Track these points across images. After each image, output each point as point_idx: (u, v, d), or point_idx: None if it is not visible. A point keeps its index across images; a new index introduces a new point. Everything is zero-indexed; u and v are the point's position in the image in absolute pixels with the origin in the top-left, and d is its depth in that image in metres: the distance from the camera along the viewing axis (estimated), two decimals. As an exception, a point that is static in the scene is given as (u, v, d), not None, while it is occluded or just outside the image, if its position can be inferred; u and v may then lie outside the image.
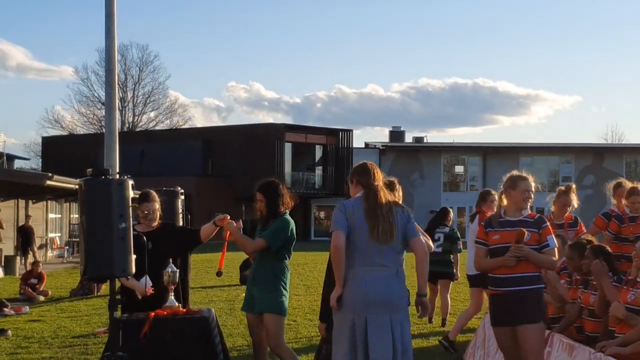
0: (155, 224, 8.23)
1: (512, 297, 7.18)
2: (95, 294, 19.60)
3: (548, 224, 7.36)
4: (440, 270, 14.33)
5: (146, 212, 8.14)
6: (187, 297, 8.43)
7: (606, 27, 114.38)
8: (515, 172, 7.59)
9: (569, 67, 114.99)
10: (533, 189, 7.42)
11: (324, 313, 7.32)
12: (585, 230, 10.26)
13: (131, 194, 6.44)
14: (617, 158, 63.11)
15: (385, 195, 6.74)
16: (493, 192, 11.42)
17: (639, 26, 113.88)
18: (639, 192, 9.66)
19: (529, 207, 7.43)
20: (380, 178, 6.93)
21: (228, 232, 8.28)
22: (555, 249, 7.31)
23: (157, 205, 8.25)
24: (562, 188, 10.63)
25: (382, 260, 6.54)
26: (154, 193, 8.34)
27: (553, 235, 7.32)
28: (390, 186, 8.76)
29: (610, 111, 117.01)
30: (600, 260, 7.82)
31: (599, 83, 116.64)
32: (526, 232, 7.13)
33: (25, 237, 28.37)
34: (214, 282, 23.04)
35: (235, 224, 8.31)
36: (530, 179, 7.44)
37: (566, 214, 10.48)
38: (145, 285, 7.60)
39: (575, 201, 10.50)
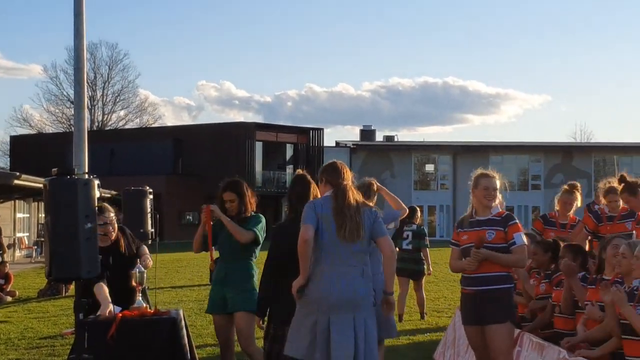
0: (114, 236, 8.18)
1: (479, 297, 7.17)
2: (64, 295, 19.42)
3: (516, 221, 7.30)
4: (412, 267, 14.60)
5: (102, 223, 7.87)
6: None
7: (575, 27, 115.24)
8: (478, 171, 7.53)
9: (539, 67, 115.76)
10: (498, 187, 7.37)
11: (262, 308, 7.48)
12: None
13: (97, 193, 6.36)
14: (586, 157, 63.52)
15: (353, 195, 6.72)
16: None
17: (607, 26, 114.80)
18: (617, 191, 9.56)
19: (497, 205, 7.39)
20: (349, 177, 6.92)
21: (209, 222, 8.19)
22: (524, 246, 7.26)
23: (113, 214, 8.21)
24: (566, 187, 10.41)
25: (348, 260, 6.53)
26: (106, 204, 8.29)
27: (521, 233, 7.27)
28: (367, 187, 8.80)
29: (579, 110, 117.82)
30: (569, 259, 7.83)
31: (568, 82, 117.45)
32: (485, 235, 7.12)
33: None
34: (183, 282, 22.93)
35: (219, 210, 8.20)
36: (496, 176, 7.39)
37: (570, 214, 10.30)
38: (113, 310, 7.56)
39: (579, 200, 10.32)
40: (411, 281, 14.94)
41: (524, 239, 7.29)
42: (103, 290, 7.59)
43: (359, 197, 6.80)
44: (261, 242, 8.27)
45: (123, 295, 7.67)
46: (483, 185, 7.31)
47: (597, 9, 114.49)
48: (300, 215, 6.71)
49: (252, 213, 8.41)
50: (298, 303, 6.61)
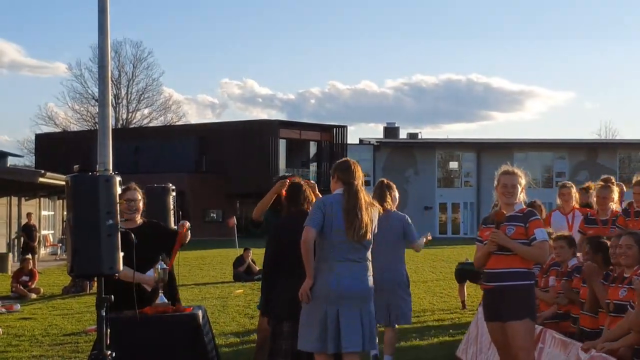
0: (139, 218, 8.13)
1: (499, 293, 7.13)
2: (88, 292, 19.51)
3: (537, 217, 7.24)
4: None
5: (129, 200, 7.98)
6: (176, 296, 8.32)
7: (600, 23, 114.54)
8: (501, 168, 7.51)
9: (563, 63, 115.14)
10: (519, 183, 7.32)
11: (268, 308, 7.72)
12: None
13: (119, 190, 6.36)
14: (610, 154, 63.12)
15: (364, 196, 6.98)
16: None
17: (633, 22, 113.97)
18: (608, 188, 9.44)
19: (520, 201, 7.35)
20: (360, 176, 7.13)
21: (180, 241, 8.13)
22: (545, 242, 7.19)
23: (140, 196, 8.15)
24: (601, 182, 10.09)
25: (356, 256, 6.90)
26: (134, 184, 8.25)
27: (543, 229, 7.21)
28: (388, 188, 9.10)
29: (604, 107, 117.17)
30: (590, 255, 7.78)
31: (593, 79, 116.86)
32: (505, 230, 7.07)
33: (27, 235, 27.96)
34: (207, 279, 22.98)
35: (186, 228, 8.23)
36: (517, 173, 7.35)
37: (614, 208, 9.92)
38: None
39: (616, 193, 10.03)
40: None
41: (546, 235, 7.24)
42: (127, 270, 7.39)
43: (368, 198, 7.07)
44: None
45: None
46: (502, 182, 7.30)
47: (623, 5, 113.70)
48: (294, 214, 7.21)
49: None
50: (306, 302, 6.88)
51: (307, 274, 6.84)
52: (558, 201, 11.09)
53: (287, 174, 8.70)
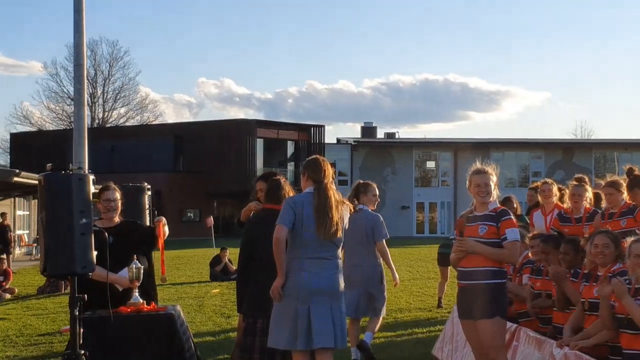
0: (117, 218, 8.11)
1: (471, 291, 7.19)
2: (63, 291, 19.38)
3: (509, 217, 7.26)
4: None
5: (107, 199, 8.01)
6: (154, 296, 8.29)
7: (575, 24, 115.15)
8: (472, 167, 7.55)
9: (539, 64, 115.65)
10: (492, 181, 7.36)
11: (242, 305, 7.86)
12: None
13: (92, 189, 6.33)
14: (586, 153, 63.46)
15: (334, 194, 7.03)
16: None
17: (607, 23, 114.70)
18: (616, 185, 9.45)
19: (495, 200, 7.39)
20: (330, 174, 7.16)
21: (161, 237, 8.14)
22: (516, 242, 7.23)
23: (118, 196, 8.13)
24: (574, 180, 10.18)
25: (326, 254, 7.00)
26: (113, 184, 8.24)
27: (515, 228, 7.25)
28: (363, 187, 9.31)
29: (579, 107, 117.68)
30: (571, 255, 7.83)
31: (569, 79, 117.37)
32: (478, 229, 7.12)
33: (2, 236, 27.72)
34: (183, 279, 22.92)
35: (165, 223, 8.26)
36: (488, 171, 7.38)
37: (586, 205, 9.93)
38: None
39: (590, 192, 10.06)
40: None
41: (517, 235, 7.26)
42: (101, 271, 7.33)
43: (338, 196, 7.12)
44: None
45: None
46: (475, 182, 7.35)
47: (597, 6, 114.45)
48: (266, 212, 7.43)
49: None
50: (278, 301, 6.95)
51: (278, 272, 6.89)
52: (540, 199, 11.14)
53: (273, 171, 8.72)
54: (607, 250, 7.18)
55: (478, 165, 7.53)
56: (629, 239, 6.75)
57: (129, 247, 7.83)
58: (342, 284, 7.09)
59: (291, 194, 7.92)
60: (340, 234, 7.01)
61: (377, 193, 10.25)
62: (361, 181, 10.38)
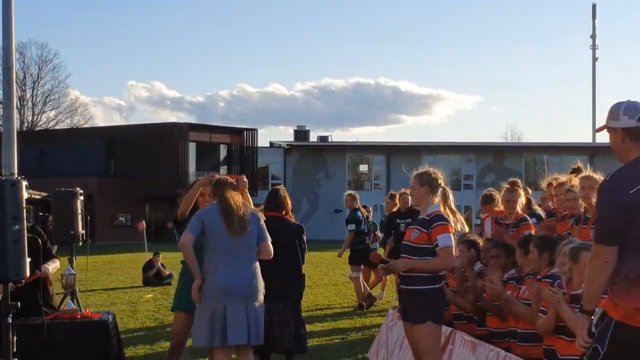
0: None
1: (408, 295, 7.28)
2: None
3: (441, 223, 7.23)
4: None
5: None
6: (50, 302, 8.11)
7: (505, 28, 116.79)
8: (414, 171, 7.68)
9: (469, 67, 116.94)
10: (412, 186, 7.53)
11: None
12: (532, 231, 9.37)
13: (26, 195, 6.24)
14: (516, 157, 64.32)
15: (235, 197, 7.72)
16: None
17: (536, 27, 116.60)
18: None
19: (435, 203, 7.48)
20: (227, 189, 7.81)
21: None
22: (448, 248, 7.21)
23: None
24: (507, 185, 9.95)
25: (238, 255, 7.57)
26: None
27: (446, 234, 7.23)
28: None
29: (509, 111, 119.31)
30: (502, 258, 7.95)
31: (498, 83, 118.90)
32: (411, 234, 7.22)
33: None
34: (115, 284, 22.67)
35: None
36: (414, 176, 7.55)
37: (519, 211, 9.77)
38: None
39: (523, 197, 9.93)
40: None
41: (449, 240, 7.24)
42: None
43: (239, 198, 7.77)
44: None
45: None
46: (411, 185, 7.54)
47: (526, 11, 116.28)
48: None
49: None
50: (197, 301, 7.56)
51: (195, 275, 7.51)
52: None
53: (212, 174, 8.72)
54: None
55: (419, 169, 7.66)
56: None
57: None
58: (258, 284, 7.65)
59: (289, 202, 9.23)
60: (247, 229, 7.57)
61: None
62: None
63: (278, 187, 9.45)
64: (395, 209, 15.45)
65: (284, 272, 8.98)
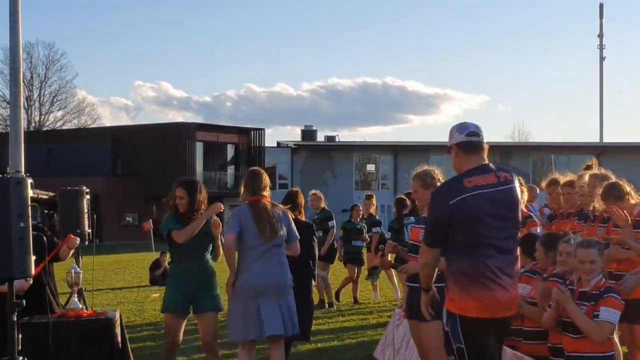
0: None
1: (416, 292, 7.25)
2: None
3: None
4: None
5: None
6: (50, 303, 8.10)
7: (512, 28, 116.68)
8: (414, 171, 7.65)
9: (476, 67, 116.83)
10: (415, 189, 7.50)
11: None
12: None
13: (30, 193, 6.23)
14: (524, 156, 64.28)
15: (266, 202, 8.08)
16: None
17: (543, 27, 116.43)
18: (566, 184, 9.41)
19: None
20: (265, 186, 8.22)
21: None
22: None
23: None
24: None
25: (269, 254, 7.95)
26: None
27: None
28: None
29: (516, 110, 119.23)
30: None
31: (506, 83, 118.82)
32: (419, 234, 7.18)
33: None
34: (122, 284, 22.70)
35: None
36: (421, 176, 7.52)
37: (523, 211, 9.75)
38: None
39: (525, 194, 9.91)
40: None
41: None
42: None
43: (268, 202, 8.12)
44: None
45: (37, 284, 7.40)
46: (413, 188, 7.48)
47: (533, 11, 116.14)
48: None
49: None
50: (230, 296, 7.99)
51: (230, 271, 7.98)
52: None
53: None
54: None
55: (416, 170, 7.64)
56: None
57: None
58: (288, 279, 8.04)
59: (302, 202, 9.85)
60: (279, 233, 7.98)
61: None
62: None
63: (296, 189, 10.14)
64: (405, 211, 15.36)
65: (295, 266, 9.02)
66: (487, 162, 5.75)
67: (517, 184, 5.81)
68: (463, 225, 5.48)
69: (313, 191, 16.14)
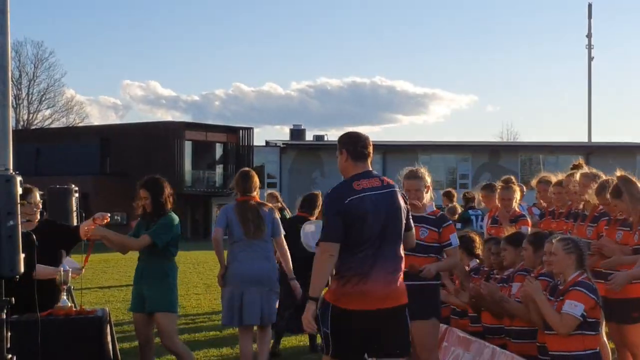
0: (36, 220, 7.99)
1: (410, 291, 7.24)
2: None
3: (450, 222, 7.48)
4: None
5: (34, 203, 7.83)
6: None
7: (500, 28, 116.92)
8: (404, 171, 7.63)
9: (465, 67, 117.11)
10: (423, 185, 7.43)
11: None
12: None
13: (20, 190, 6.22)
14: (512, 156, 64.39)
15: (252, 202, 8.79)
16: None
17: (532, 27, 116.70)
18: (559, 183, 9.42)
19: (431, 203, 7.47)
20: (253, 186, 8.91)
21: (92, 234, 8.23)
22: (457, 248, 7.39)
23: (39, 198, 8.02)
24: (501, 183, 9.95)
25: (254, 247, 8.66)
26: (31, 186, 8.10)
27: (455, 233, 7.42)
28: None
29: (504, 110, 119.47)
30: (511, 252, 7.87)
31: (494, 83, 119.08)
32: (419, 232, 7.16)
33: None
34: (110, 282, 22.69)
35: (104, 230, 8.45)
36: (419, 175, 7.47)
37: (515, 208, 9.79)
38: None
39: (518, 193, 9.90)
40: None
41: (457, 240, 7.43)
42: (43, 269, 7.35)
43: (254, 204, 8.78)
44: (162, 243, 8.25)
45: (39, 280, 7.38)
46: (406, 187, 7.45)
47: (522, 11, 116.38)
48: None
49: (169, 212, 8.41)
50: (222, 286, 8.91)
51: (220, 263, 8.83)
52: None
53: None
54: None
55: (411, 168, 7.61)
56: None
57: (52, 247, 7.73)
58: (271, 271, 8.79)
59: (319, 203, 10.73)
60: (263, 232, 8.68)
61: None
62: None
63: (317, 193, 11.47)
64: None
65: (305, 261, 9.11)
66: (371, 168, 6.33)
67: (398, 189, 6.23)
68: (354, 224, 5.89)
69: (269, 191, 16.05)
